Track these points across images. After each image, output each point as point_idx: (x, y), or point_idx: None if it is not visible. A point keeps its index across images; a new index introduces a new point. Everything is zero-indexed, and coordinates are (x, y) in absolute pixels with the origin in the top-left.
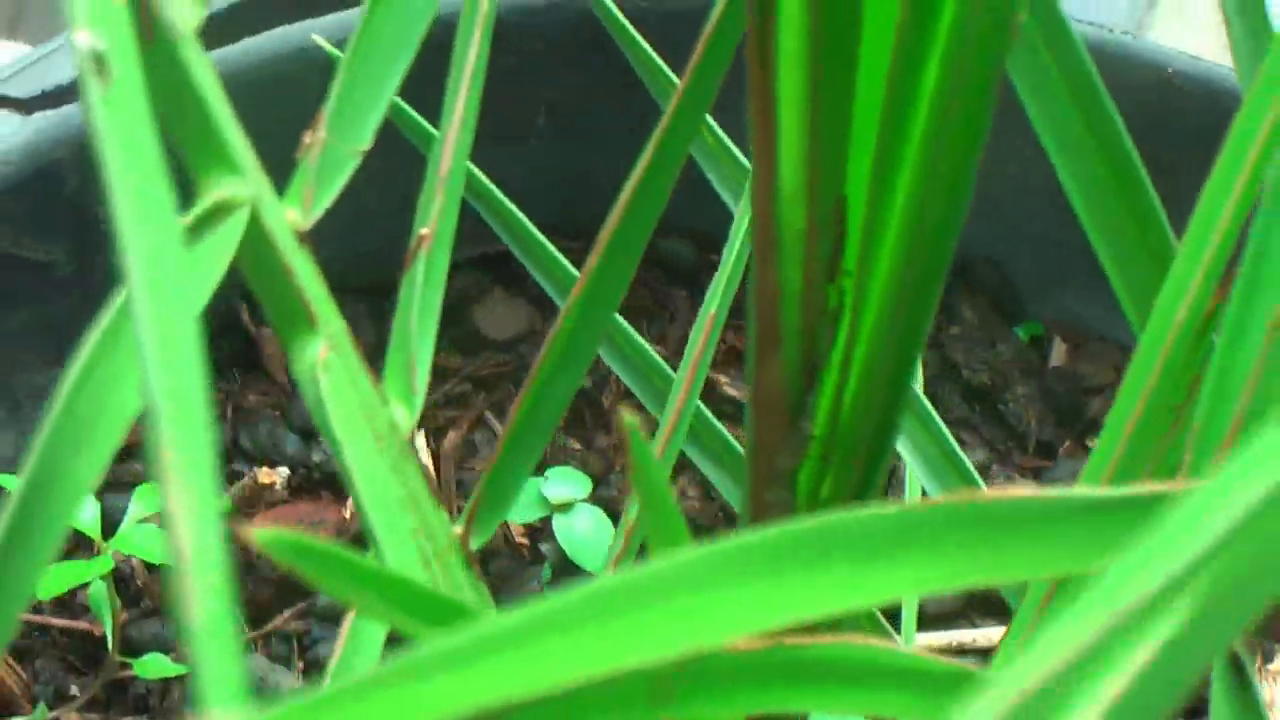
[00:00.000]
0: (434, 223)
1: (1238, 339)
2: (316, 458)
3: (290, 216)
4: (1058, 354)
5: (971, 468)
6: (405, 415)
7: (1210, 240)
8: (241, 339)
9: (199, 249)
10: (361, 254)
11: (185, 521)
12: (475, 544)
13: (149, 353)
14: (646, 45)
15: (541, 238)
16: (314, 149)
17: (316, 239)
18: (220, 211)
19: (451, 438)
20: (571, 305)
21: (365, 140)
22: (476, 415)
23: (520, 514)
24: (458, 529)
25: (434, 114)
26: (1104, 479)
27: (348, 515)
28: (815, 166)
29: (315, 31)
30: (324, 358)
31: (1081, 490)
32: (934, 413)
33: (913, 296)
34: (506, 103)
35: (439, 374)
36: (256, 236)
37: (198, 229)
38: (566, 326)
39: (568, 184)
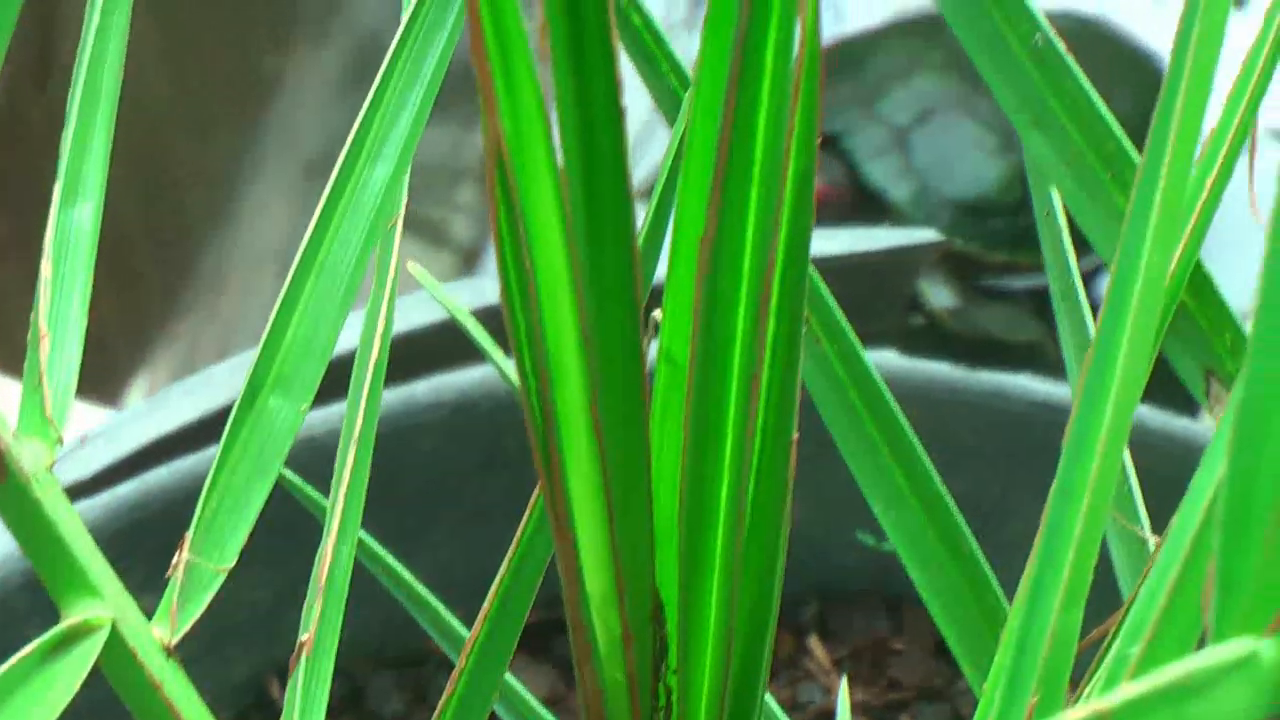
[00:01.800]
0: (314, 628)
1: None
2: None
3: (157, 634)
4: None
5: None
6: None
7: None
8: (271, 714)
9: (51, 669)
10: (395, 625)
11: None
12: None
13: None
14: None
15: (460, 628)
16: (180, 569)
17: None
18: (77, 634)
19: None
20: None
21: (229, 560)
22: None
23: None
24: None
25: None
26: None
27: None
28: (621, 574)
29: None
30: None
31: None
32: None
33: (742, 677)
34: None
35: None
36: (120, 655)
37: (52, 651)
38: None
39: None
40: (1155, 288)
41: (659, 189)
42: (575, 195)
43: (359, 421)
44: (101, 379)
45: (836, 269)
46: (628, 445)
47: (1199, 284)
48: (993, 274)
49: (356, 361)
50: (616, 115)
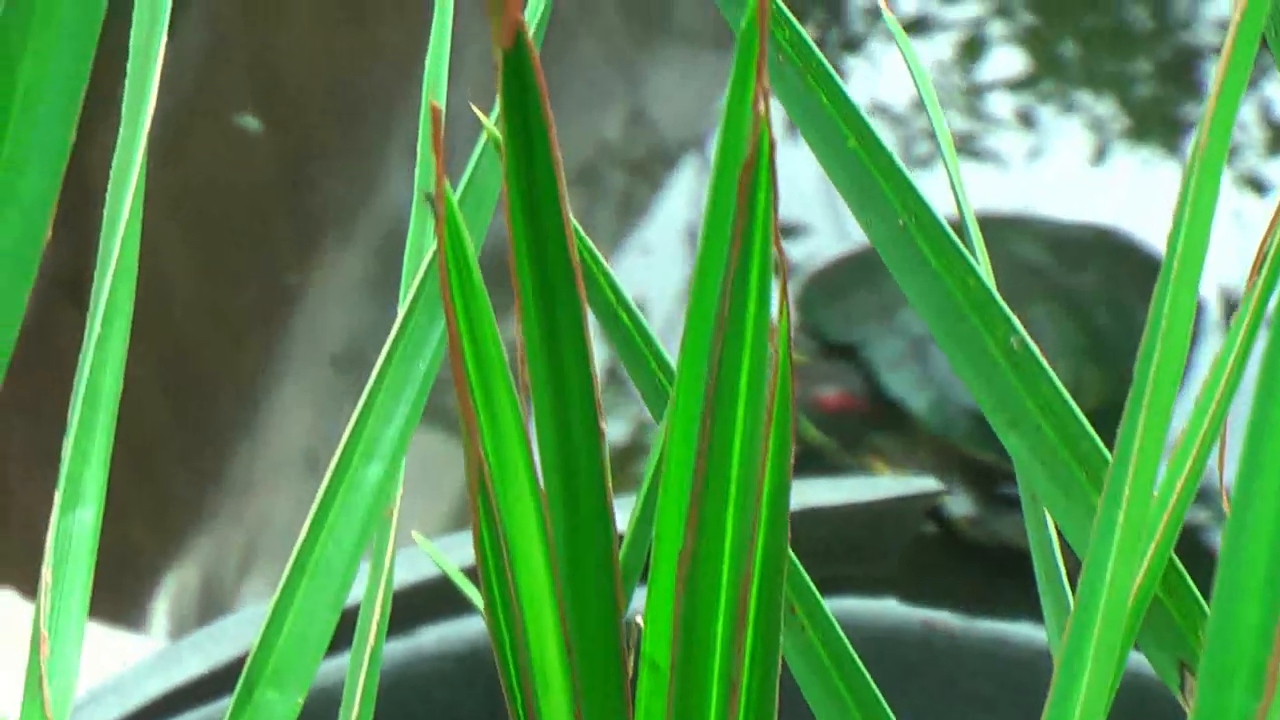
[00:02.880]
0: None
1: None
2: None
3: None
4: None
5: None
6: None
7: None
8: None
9: None
10: None
11: None
12: None
13: None
14: None
15: None
16: None
17: None
18: None
19: None
20: None
21: None
22: None
23: None
24: None
25: None
26: None
27: None
28: None
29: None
30: None
31: None
32: None
33: None
34: None
35: None
36: None
37: None
38: None
39: None
40: (1121, 597)
41: (643, 494)
42: (556, 513)
43: (355, 707)
44: (127, 589)
45: (840, 517)
46: None
47: (1172, 580)
48: (1011, 482)
49: (354, 647)
50: (595, 435)
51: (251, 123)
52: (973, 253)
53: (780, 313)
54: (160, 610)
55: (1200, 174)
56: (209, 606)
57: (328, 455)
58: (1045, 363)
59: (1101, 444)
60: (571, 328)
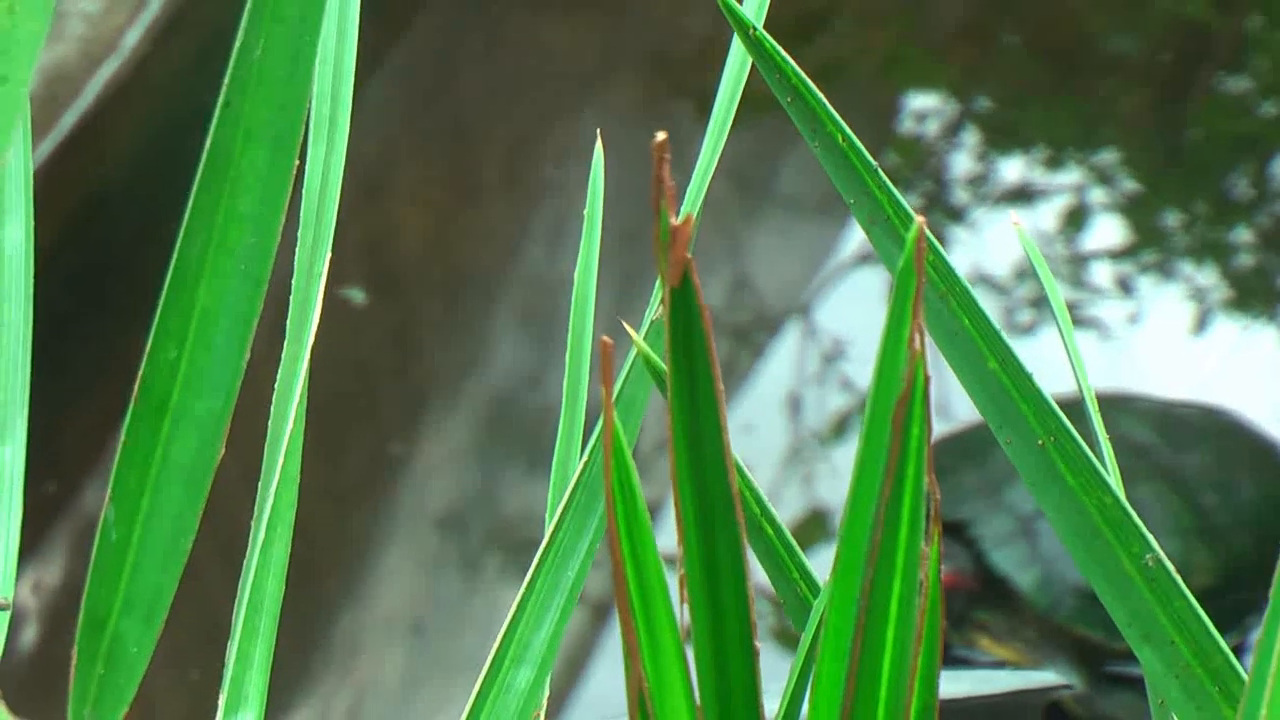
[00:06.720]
0: None
1: None
2: None
3: None
4: None
5: None
6: None
7: None
8: None
9: None
10: None
11: None
12: None
13: None
14: None
15: None
16: None
17: None
18: None
19: None
20: None
21: None
22: None
23: None
24: None
25: None
26: None
27: None
28: None
29: None
30: None
31: None
32: None
33: None
34: None
35: None
36: None
37: None
38: None
39: None
40: None
41: (784, 705)
42: None
43: None
44: None
45: (959, 709)
46: None
47: None
48: (1117, 660)
49: None
50: (750, 655)
51: (356, 295)
52: (1097, 447)
53: (931, 541)
54: None
55: None
56: None
57: (431, 620)
58: (1179, 579)
59: (1234, 659)
60: (731, 555)
